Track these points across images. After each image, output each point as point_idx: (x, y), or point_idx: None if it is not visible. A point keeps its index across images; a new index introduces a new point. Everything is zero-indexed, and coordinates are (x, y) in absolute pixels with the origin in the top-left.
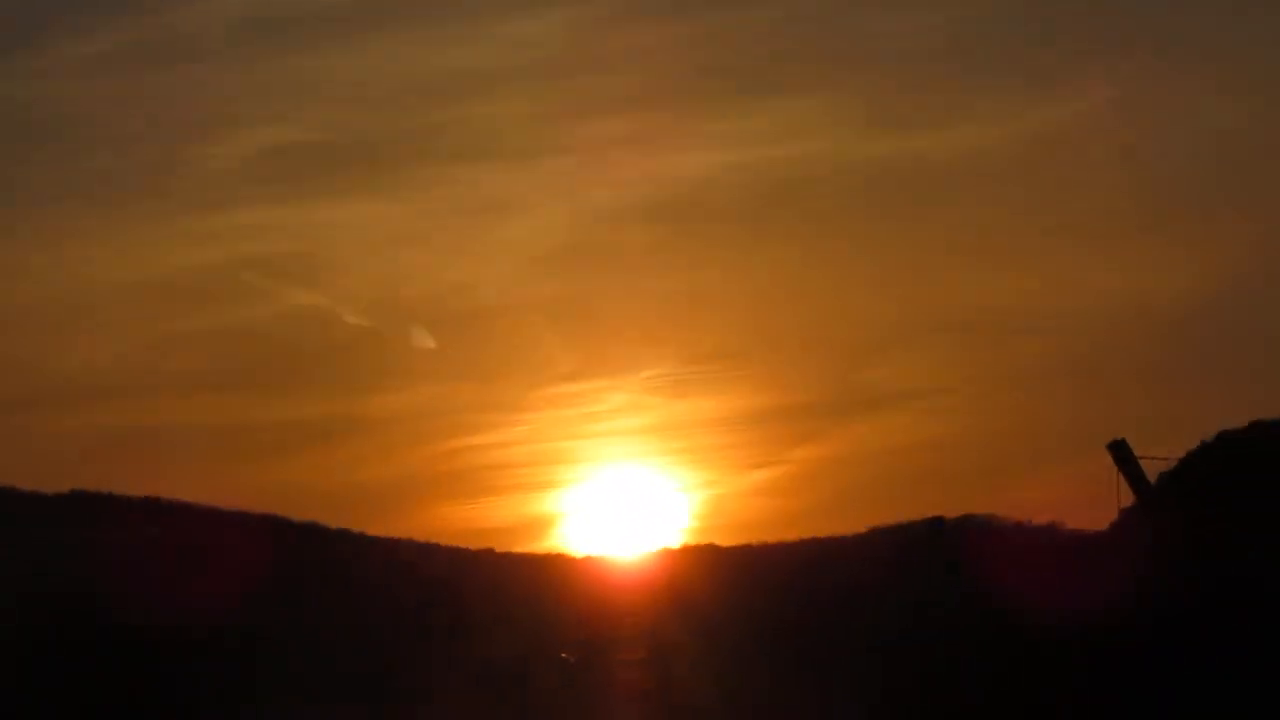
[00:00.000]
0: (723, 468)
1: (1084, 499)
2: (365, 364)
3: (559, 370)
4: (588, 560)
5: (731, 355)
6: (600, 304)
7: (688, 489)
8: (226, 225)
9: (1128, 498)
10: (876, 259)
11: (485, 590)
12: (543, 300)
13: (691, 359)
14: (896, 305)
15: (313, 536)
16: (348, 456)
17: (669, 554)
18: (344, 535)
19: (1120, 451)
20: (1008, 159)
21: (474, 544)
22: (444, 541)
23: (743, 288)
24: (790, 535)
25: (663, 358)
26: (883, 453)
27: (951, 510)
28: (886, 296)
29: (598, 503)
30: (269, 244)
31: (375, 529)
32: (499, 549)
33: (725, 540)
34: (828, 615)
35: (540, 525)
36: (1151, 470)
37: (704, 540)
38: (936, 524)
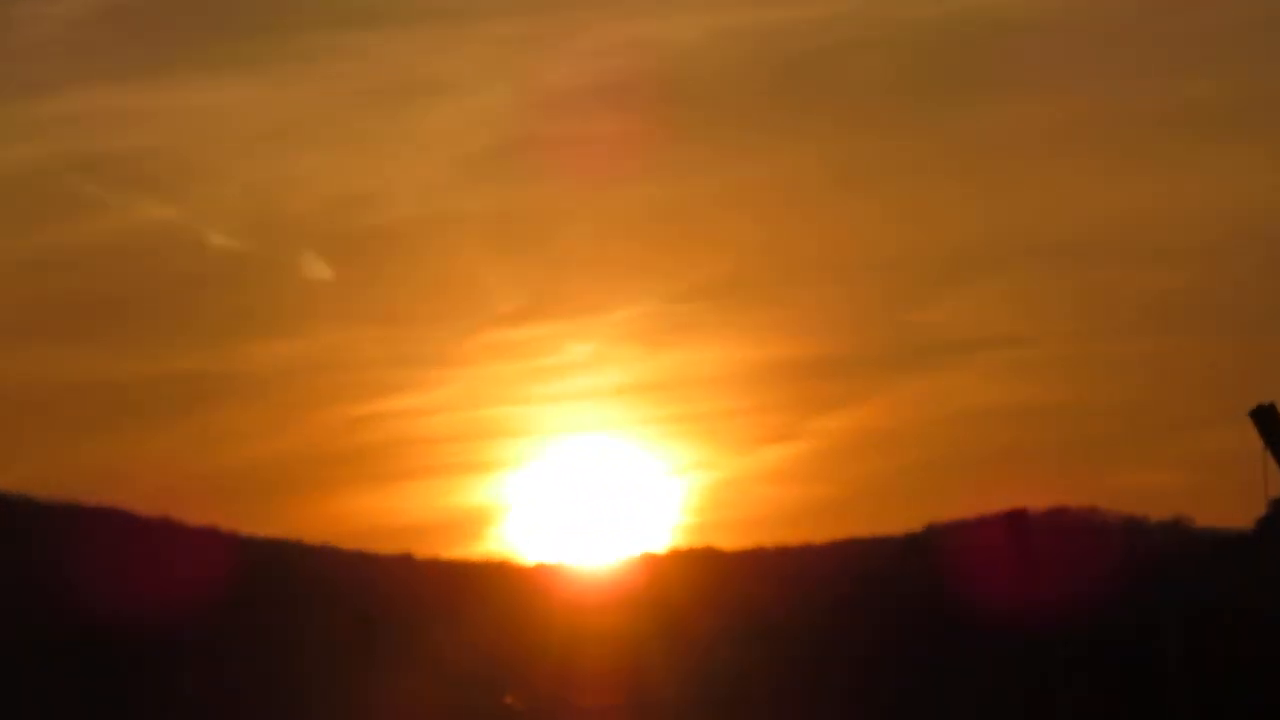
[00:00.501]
0: (725, 443)
1: (1221, 485)
2: (237, 302)
3: (500, 310)
4: (540, 571)
5: (735, 289)
6: (556, 220)
7: (678, 472)
8: (45, 113)
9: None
10: (930, 159)
11: (400, 611)
12: (478, 215)
13: (680, 294)
14: (959, 223)
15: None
16: (212, 428)
17: (652, 562)
18: (209, 535)
19: (1268, 420)
20: (1113, 18)
21: (385, 547)
22: (344, 545)
23: (749, 197)
24: (817, 535)
25: (642, 293)
26: (941, 422)
27: (1037, 502)
28: (945, 211)
29: (554, 492)
30: (104, 138)
31: (251, 526)
32: (419, 554)
33: (729, 542)
34: (868, 645)
35: (475, 522)
36: None
37: (700, 542)
38: (1016, 520)
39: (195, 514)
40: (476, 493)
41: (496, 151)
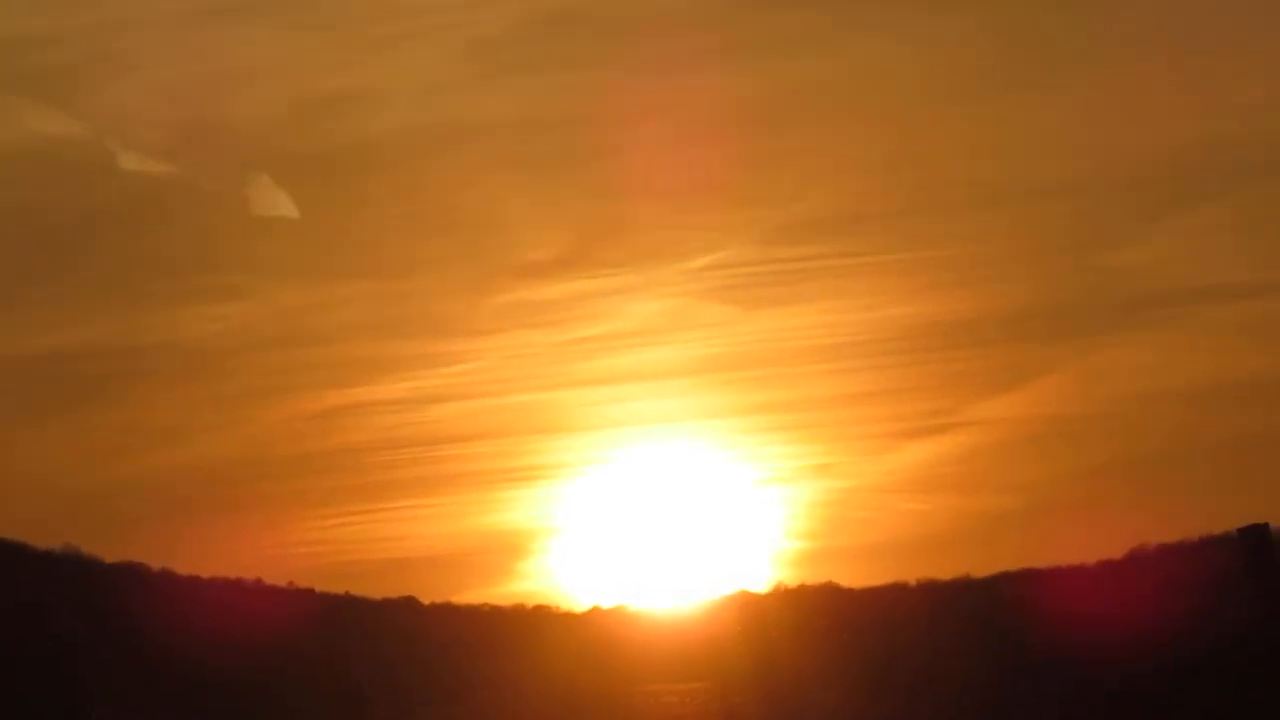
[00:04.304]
0: (847, 439)
1: None
2: (164, 247)
3: (531, 256)
4: (594, 617)
5: (858, 223)
6: (607, 129)
7: (782, 480)
8: None
9: None
10: (1134, 37)
11: (404, 676)
12: (499, 123)
13: (782, 232)
14: (1175, 127)
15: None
16: (119, 426)
17: (749, 604)
18: (127, 571)
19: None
20: None
21: (377, 590)
22: (319, 586)
23: (878, 90)
24: (978, 567)
25: (729, 230)
26: (1152, 402)
27: None
28: (1156, 110)
29: (611, 510)
30: None
31: (174, 560)
32: (424, 598)
33: (853, 578)
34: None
35: (502, 553)
36: None
37: (816, 578)
38: (1254, 538)
39: (104, 546)
40: (503, 514)
41: (523, 32)
